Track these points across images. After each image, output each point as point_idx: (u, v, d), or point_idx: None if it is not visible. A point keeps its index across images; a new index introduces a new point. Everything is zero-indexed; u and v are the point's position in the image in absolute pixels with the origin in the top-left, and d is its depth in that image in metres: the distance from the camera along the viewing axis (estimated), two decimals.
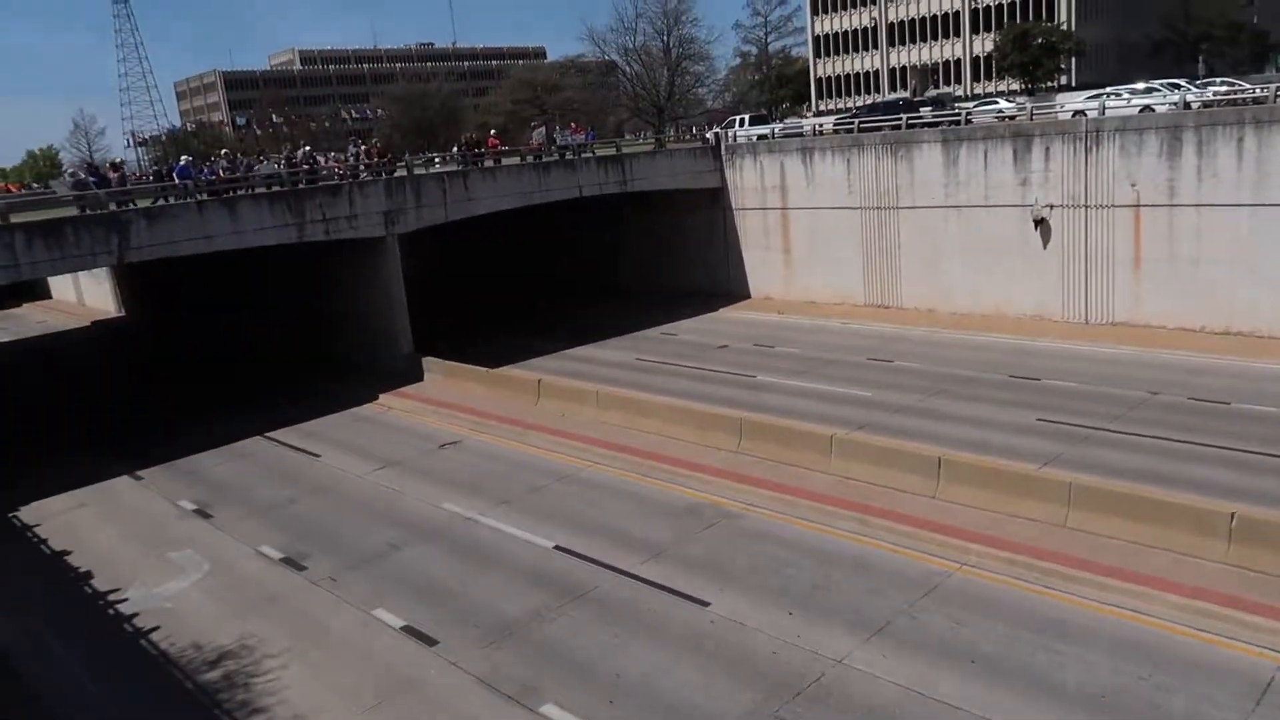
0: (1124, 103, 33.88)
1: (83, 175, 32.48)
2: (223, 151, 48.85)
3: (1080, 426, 21.63)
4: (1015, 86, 76.99)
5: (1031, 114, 35.54)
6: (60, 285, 63.93)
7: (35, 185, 68.75)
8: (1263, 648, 12.49)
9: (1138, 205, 29.37)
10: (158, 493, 23.16)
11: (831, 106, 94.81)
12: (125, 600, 17.23)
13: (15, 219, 25.35)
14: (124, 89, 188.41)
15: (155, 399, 33.58)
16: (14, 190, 63.13)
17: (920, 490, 18.14)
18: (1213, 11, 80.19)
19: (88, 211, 27.12)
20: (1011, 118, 36.90)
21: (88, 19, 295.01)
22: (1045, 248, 31.70)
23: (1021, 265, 32.29)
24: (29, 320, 59.14)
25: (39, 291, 65.01)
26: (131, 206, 27.99)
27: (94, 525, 21.39)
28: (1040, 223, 31.56)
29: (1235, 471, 18.37)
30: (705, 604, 15.09)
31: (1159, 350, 27.35)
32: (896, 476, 18.63)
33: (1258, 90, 32.06)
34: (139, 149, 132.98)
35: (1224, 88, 36.11)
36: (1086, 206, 30.54)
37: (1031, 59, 73.80)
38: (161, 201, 29.44)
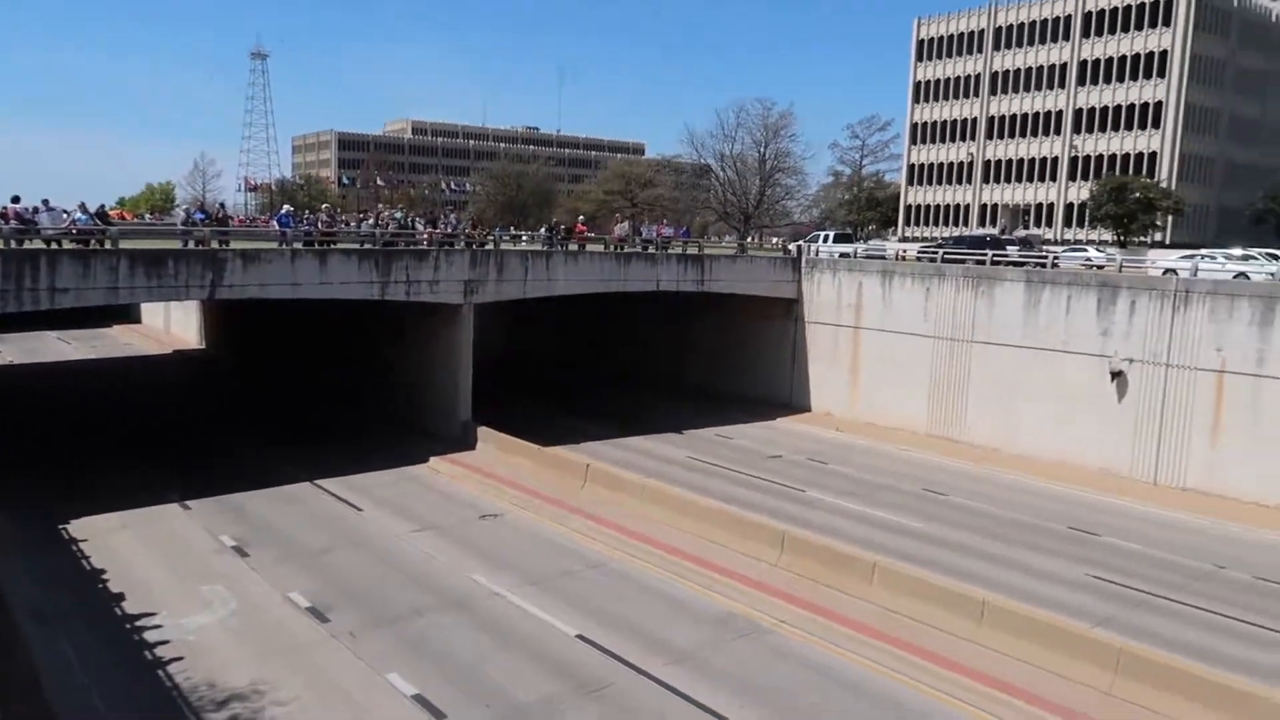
0: (1218, 266, 33.31)
1: (192, 212, 34.19)
2: (324, 206, 50.99)
3: (1137, 591, 20.67)
4: (1107, 237, 76.34)
5: (1121, 266, 35.15)
6: (150, 311, 66.77)
7: (147, 216, 72.46)
8: None
9: (1222, 371, 28.56)
10: (201, 524, 23.56)
11: (918, 234, 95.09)
12: (152, 628, 17.38)
13: (124, 244, 26.78)
14: (246, 137, 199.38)
15: (218, 433, 34.46)
16: (127, 218, 66.69)
17: (962, 633, 17.43)
18: None
19: (190, 246, 28.51)
20: (1100, 267, 36.55)
21: (225, 69, 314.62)
22: (1120, 402, 30.90)
23: (1094, 416, 31.47)
24: (117, 341, 61.70)
25: (131, 315, 67.95)
26: (229, 247, 29.31)
27: (135, 548, 21.78)
28: (1117, 375, 30.86)
29: None
30: None
31: (1230, 523, 26.14)
32: (938, 615, 17.97)
33: None
34: (249, 194, 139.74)
35: None
36: (1168, 365, 29.81)
37: (1127, 212, 73.20)
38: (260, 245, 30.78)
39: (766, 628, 18.05)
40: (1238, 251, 38.48)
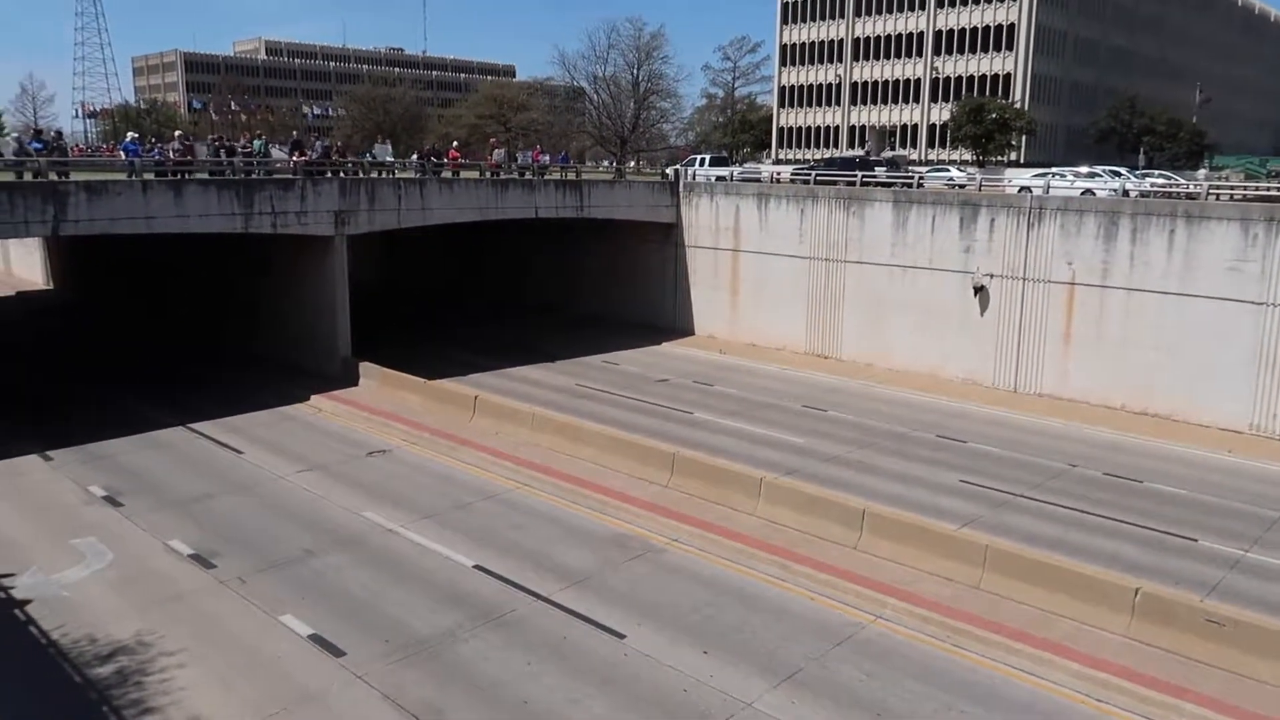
0: (1067, 184, 35.19)
1: (26, 141, 31.50)
2: (177, 133, 47.78)
3: (1000, 491, 22.17)
4: (967, 156, 79.47)
5: (980, 185, 36.71)
6: None
7: None
8: None
9: (1073, 283, 30.42)
10: (67, 475, 22.36)
11: (791, 156, 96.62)
12: (22, 585, 16.54)
13: None
14: (79, 58, 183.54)
15: (75, 379, 32.50)
16: None
17: (842, 540, 18.38)
18: (1156, 108, 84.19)
19: (26, 178, 26.34)
20: (961, 186, 38.06)
21: None
22: (982, 315, 32.60)
23: (958, 330, 33.14)
24: None
25: None
26: (72, 178, 27.25)
27: None
28: (979, 290, 32.48)
29: (1142, 548, 18.99)
30: (621, 636, 15.04)
31: (1081, 424, 28.21)
32: (821, 525, 18.87)
33: (1191, 186, 33.61)
34: (88, 120, 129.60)
35: (1160, 180, 37.81)
36: (1024, 279, 31.53)
37: (984, 132, 76.33)
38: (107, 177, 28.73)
39: (660, 547, 18.58)
40: (1084, 169, 40.77)
